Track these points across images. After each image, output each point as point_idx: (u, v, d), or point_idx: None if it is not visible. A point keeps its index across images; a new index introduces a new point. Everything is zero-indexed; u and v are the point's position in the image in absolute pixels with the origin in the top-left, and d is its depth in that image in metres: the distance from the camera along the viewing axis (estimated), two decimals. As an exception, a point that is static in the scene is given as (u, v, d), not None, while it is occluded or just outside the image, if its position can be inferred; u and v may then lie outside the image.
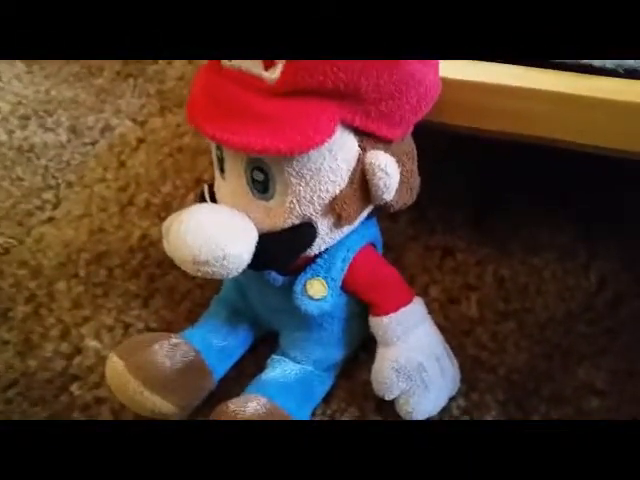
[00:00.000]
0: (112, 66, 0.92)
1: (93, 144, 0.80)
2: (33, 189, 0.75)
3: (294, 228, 0.42)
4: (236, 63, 0.39)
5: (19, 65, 0.94)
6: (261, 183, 0.41)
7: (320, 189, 0.41)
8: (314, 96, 0.38)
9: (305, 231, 0.42)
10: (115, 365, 0.46)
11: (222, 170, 0.44)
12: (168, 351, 0.47)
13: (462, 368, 0.51)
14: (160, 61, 0.92)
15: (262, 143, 0.37)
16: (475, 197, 0.67)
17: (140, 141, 0.80)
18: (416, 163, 0.45)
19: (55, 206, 0.72)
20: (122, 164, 0.77)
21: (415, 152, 0.45)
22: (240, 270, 0.42)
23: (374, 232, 0.50)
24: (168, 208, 0.70)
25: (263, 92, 0.38)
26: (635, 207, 0.64)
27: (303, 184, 0.40)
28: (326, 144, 0.39)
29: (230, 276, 0.42)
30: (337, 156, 0.40)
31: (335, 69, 0.36)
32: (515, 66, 0.48)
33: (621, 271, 0.59)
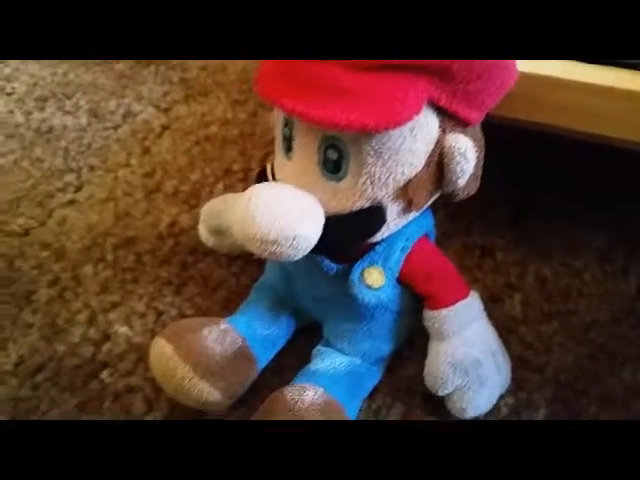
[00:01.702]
0: (132, 52, 0.90)
1: (115, 129, 0.78)
2: (54, 171, 0.72)
3: (363, 211, 0.41)
4: (321, 35, 0.38)
5: (34, 47, 0.92)
6: (334, 162, 0.40)
7: (396, 170, 0.39)
8: (402, 71, 0.36)
9: (375, 215, 0.41)
10: (163, 349, 0.44)
11: (289, 149, 0.42)
12: (218, 336, 0.45)
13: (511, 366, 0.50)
14: (182, 50, 0.90)
15: (347, 118, 0.36)
16: (512, 195, 0.66)
17: (164, 128, 0.78)
18: (483, 153, 0.44)
19: (77, 189, 0.70)
20: (146, 150, 0.75)
21: (483, 141, 0.44)
22: (307, 251, 0.40)
23: (430, 222, 0.49)
24: (197, 196, 0.68)
25: (348, 65, 0.37)
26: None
27: (380, 164, 0.39)
28: (409, 123, 0.37)
29: (295, 258, 0.40)
30: (417, 136, 0.39)
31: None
32: (578, 62, 0.48)
33: (660, 276, 0.59)
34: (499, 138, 0.62)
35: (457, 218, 0.65)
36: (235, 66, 0.87)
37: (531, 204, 0.66)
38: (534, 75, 0.46)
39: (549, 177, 0.68)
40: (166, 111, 0.80)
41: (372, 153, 0.39)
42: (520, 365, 0.52)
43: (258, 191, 0.39)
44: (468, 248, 0.62)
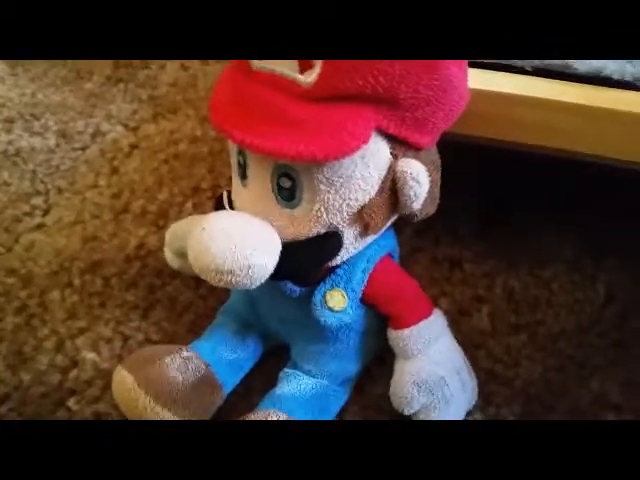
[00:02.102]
0: (102, 70, 0.89)
1: (83, 149, 0.77)
2: (21, 194, 0.71)
3: (319, 237, 0.41)
4: (268, 65, 0.38)
5: (1, 67, 0.91)
6: (287, 190, 0.40)
7: (350, 197, 0.40)
8: (350, 101, 0.37)
9: (331, 240, 0.41)
10: (124, 379, 0.44)
11: (244, 177, 0.42)
12: (180, 365, 0.45)
13: (477, 381, 0.50)
14: (151, 66, 0.90)
15: (296, 149, 0.36)
16: (479, 208, 0.67)
17: (133, 147, 0.77)
18: (439, 173, 0.44)
19: (45, 212, 0.69)
20: (115, 170, 0.74)
21: (439, 162, 0.44)
22: (263, 280, 0.40)
23: (392, 242, 0.49)
24: (165, 216, 0.68)
25: (297, 96, 0.37)
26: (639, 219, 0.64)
27: (332, 192, 0.39)
28: (359, 151, 0.37)
29: (253, 287, 0.40)
30: (369, 163, 0.39)
31: (375, 73, 0.35)
32: (536, 77, 0.48)
33: (628, 283, 0.60)
34: (464, 152, 0.62)
35: (425, 232, 0.65)
36: (205, 82, 0.86)
37: (498, 216, 0.66)
38: (489, 92, 0.46)
39: (516, 190, 0.68)
40: (135, 130, 0.80)
41: (324, 181, 0.39)
42: (489, 379, 0.52)
43: (212, 220, 0.39)
44: (437, 261, 0.62)
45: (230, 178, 0.72)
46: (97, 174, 0.74)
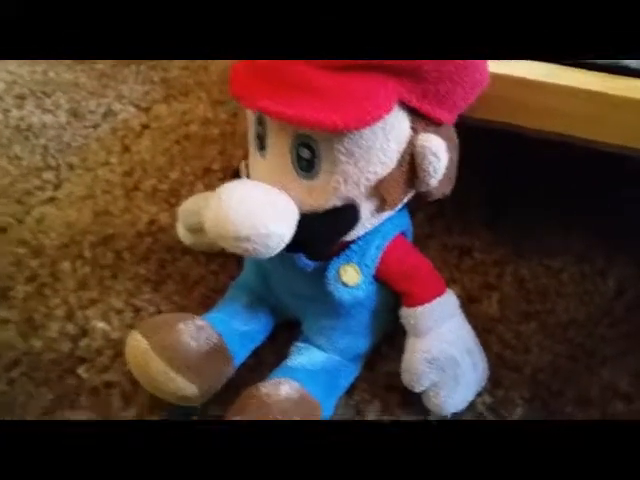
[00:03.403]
0: (114, 51, 0.89)
1: (95, 127, 0.78)
2: (32, 168, 0.72)
3: (337, 210, 0.41)
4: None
5: (14, 44, 0.91)
6: (306, 161, 0.40)
7: (368, 170, 0.40)
8: (373, 71, 0.37)
9: (348, 213, 0.41)
10: (138, 343, 0.44)
11: (262, 148, 0.42)
12: (193, 332, 0.45)
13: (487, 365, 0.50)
14: (164, 49, 0.90)
15: (317, 116, 0.36)
16: (490, 197, 0.67)
17: (144, 127, 0.78)
18: (457, 152, 0.44)
19: (56, 187, 0.69)
20: (126, 149, 0.74)
21: (457, 141, 0.44)
22: (279, 249, 0.40)
23: (406, 221, 0.49)
24: (176, 195, 0.68)
25: (320, 65, 0.37)
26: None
27: (352, 163, 0.39)
28: (380, 122, 0.37)
29: (268, 255, 0.40)
30: (389, 136, 0.39)
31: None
32: (553, 64, 0.48)
33: (638, 278, 0.60)
34: (478, 139, 0.63)
35: (436, 219, 0.65)
36: (216, 66, 0.87)
37: (510, 206, 0.66)
38: (507, 77, 0.46)
39: (528, 179, 0.68)
40: (146, 110, 0.80)
41: (344, 152, 0.39)
42: (498, 364, 0.52)
43: (231, 189, 0.39)
44: (447, 248, 0.63)
45: (241, 160, 0.73)
46: (108, 152, 0.74)
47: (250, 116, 0.43)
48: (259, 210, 0.39)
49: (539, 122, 0.50)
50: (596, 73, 0.48)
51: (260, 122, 0.42)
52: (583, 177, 0.67)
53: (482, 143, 0.70)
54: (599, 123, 0.48)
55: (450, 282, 0.59)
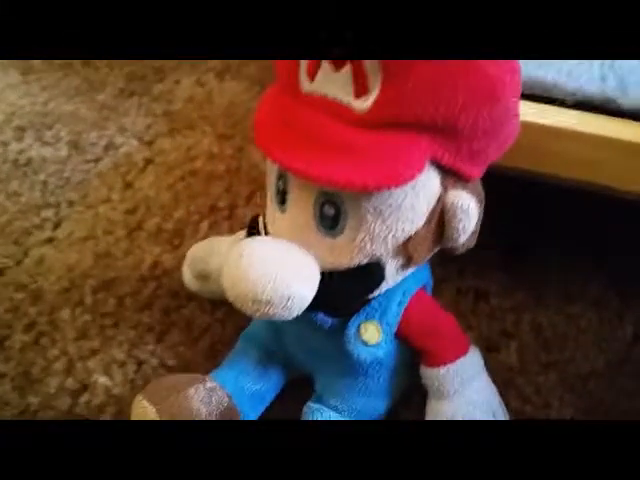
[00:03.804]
0: (115, 82, 0.88)
1: (96, 161, 0.75)
2: (31, 206, 0.69)
3: (361, 268, 0.39)
4: (320, 89, 0.36)
5: (13, 74, 0.89)
6: (331, 218, 0.38)
7: (397, 228, 0.38)
8: (405, 128, 0.35)
9: (373, 272, 0.39)
10: (145, 411, 0.41)
11: (282, 202, 0.40)
12: (204, 397, 0.43)
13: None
14: (166, 81, 0.88)
15: (347, 177, 0.34)
16: (505, 240, 0.65)
17: (148, 162, 0.75)
18: (483, 206, 0.43)
19: (56, 226, 0.67)
20: (129, 185, 0.72)
21: (483, 194, 0.43)
22: (301, 312, 0.38)
23: (427, 275, 0.47)
24: (181, 234, 0.66)
25: (350, 122, 0.35)
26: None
27: (379, 222, 0.37)
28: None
29: (289, 318, 0.38)
30: (419, 194, 0.37)
31: (436, 102, 0.34)
32: (582, 112, 0.47)
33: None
34: (495, 183, 0.61)
35: (449, 262, 0.63)
36: (221, 99, 0.85)
37: (525, 249, 0.64)
38: (537, 125, 0.45)
39: (544, 222, 0.67)
40: (149, 144, 0.78)
41: (372, 210, 0.37)
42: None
43: (251, 247, 0.37)
44: (462, 293, 0.61)
45: (247, 197, 0.71)
46: (110, 188, 0.72)
47: (271, 168, 0.41)
48: (281, 272, 0.36)
49: (560, 170, 0.48)
50: (621, 120, 0.47)
51: (281, 176, 0.40)
52: (599, 220, 0.66)
53: (498, 186, 0.69)
54: (627, 172, 0.46)
55: (467, 329, 0.57)
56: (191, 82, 0.88)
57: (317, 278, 0.38)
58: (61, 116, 0.82)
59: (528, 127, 0.45)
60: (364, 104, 0.35)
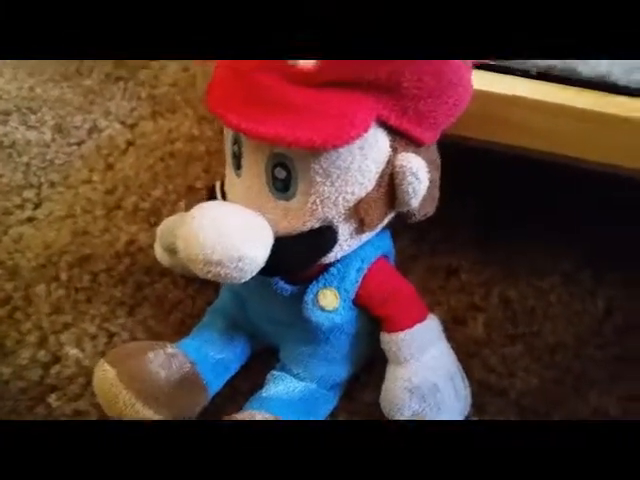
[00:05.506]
0: (102, 67, 0.89)
1: (79, 144, 0.76)
2: (13, 186, 0.70)
3: (314, 231, 0.39)
4: (267, 49, 0.37)
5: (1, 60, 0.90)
6: (282, 181, 0.38)
7: (346, 190, 0.38)
8: (351, 88, 0.35)
9: (325, 235, 0.40)
10: (105, 373, 0.42)
11: (238, 167, 0.41)
12: (164, 361, 0.44)
13: (470, 391, 0.49)
14: (152, 66, 0.89)
15: (294, 134, 0.34)
16: (477, 217, 0.65)
17: (129, 144, 0.76)
18: (439, 172, 0.43)
19: (36, 206, 0.68)
20: (110, 166, 0.73)
21: (439, 162, 0.43)
22: (253, 274, 0.39)
23: (388, 244, 0.48)
24: (158, 213, 0.66)
25: (296, 81, 0.36)
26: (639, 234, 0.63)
27: (328, 184, 0.38)
28: (358, 141, 0.36)
29: (242, 280, 0.39)
30: (368, 155, 0.38)
31: (378, 60, 0.34)
32: (537, 81, 0.47)
33: (627, 299, 0.58)
34: (463, 159, 0.61)
35: (421, 240, 0.63)
36: (204, 83, 0.86)
37: (497, 226, 0.65)
38: (491, 94, 0.45)
39: (515, 199, 0.67)
40: (132, 127, 0.79)
41: (321, 172, 0.37)
42: (482, 389, 0.51)
43: (203, 209, 0.38)
44: (433, 270, 0.61)
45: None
46: (91, 170, 0.72)
47: (227, 134, 0.42)
48: (232, 233, 0.37)
49: (525, 140, 0.49)
50: (581, 90, 0.47)
51: (236, 141, 0.40)
52: (570, 195, 0.66)
53: (468, 162, 0.69)
54: (585, 141, 0.47)
55: (435, 304, 0.57)
56: (176, 67, 0.89)
57: (269, 241, 0.39)
58: (47, 100, 0.83)
59: (485, 96, 0.45)
60: (309, 63, 0.35)
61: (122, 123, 0.79)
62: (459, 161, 0.56)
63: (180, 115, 0.81)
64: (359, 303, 0.45)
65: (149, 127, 0.79)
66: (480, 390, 0.50)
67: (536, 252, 0.62)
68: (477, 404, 0.49)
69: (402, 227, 0.62)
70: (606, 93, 0.46)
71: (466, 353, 0.53)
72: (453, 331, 0.55)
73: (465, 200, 0.66)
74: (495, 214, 0.65)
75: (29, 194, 0.69)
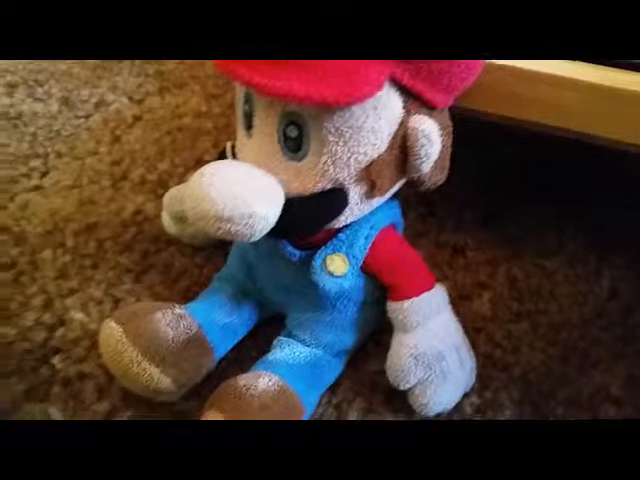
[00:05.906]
0: (110, 43, 0.88)
1: (86, 117, 0.76)
2: (19, 156, 0.70)
3: (325, 193, 0.39)
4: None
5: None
6: (294, 140, 0.38)
7: (358, 151, 0.38)
8: (365, 46, 0.35)
9: (336, 197, 0.40)
10: (112, 331, 0.42)
11: (249, 127, 0.41)
12: (171, 321, 0.43)
13: (475, 364, 0.49)
14: (160, 43, 0.89)
15: (306, 90, 0.34)
16: (485, 196, 0.66)
17: (136, 118, 0.76)
18: (451, 140, 0.43)
19: (43, 175, 0.68)
20: (116, 139, 0.73)
21: (452, 128, 0.43)
22: (263, 233, 0.38)
23: (397, 213, 0.47)
24: (165, 185, 0.66)
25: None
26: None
27: (341, 143, 0.38)
28: (371, 100, 0.36)
29: (251, 239, 0.38)
30: (380, 115, 0.37)
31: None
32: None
33: (632, 280, 0.58)
34: (474, 137, 0.61)
35: (429, 217, 0.64)
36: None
37: (504, 205, 0.65)
38: (503, 66, 0.45)
39: (524, 178, 0.67)
40: (139, 102, 0.79)
41: (333, 131, 0.37)
42: (487, 364, 0.51)
43: (213, 167, 0.38)
44: (440, 246, 0.61)
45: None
46: (98, 142, 0.72)
47: (239, 94, 0.42)
48: (242, 190, 0.37)
49: (531, 114, 0.48)
50: (592, 65, 0.47)
51: (247, 100, 0.40)
52: (578, 177, 0.66)
53: (477, 141, 0.69)
54: (595, 116, 0.46)
55: (442, 280, 0.57)
56: (185, 45, 0.89)
57: (280, 201, 0.38)
58: (54, 73, 0.83)
59: (497, 69, 0.45)
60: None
61: (129, 98, 0.79)
62: (468, 140, 0.56)
63: (188, 91, 0.81)
64: (366, 270, 0.45)
65: (156, 102, 0.79)
66: (485, 364, 0.50)
67: (542, 233, 0.62)
68: (482, 378, 0.49)
69: (410, 203, 0.62)
70: (621, 70, 0.46)
71: (472, 328, 0.53)
72: (459, 306, 0.55)
73: (473, 180, 0.66)
74: (502, 195, 0.65)
75: (35, 163, 0.69)
